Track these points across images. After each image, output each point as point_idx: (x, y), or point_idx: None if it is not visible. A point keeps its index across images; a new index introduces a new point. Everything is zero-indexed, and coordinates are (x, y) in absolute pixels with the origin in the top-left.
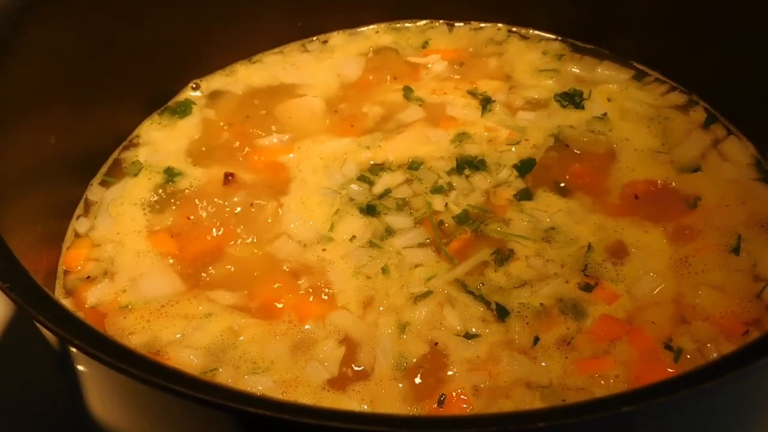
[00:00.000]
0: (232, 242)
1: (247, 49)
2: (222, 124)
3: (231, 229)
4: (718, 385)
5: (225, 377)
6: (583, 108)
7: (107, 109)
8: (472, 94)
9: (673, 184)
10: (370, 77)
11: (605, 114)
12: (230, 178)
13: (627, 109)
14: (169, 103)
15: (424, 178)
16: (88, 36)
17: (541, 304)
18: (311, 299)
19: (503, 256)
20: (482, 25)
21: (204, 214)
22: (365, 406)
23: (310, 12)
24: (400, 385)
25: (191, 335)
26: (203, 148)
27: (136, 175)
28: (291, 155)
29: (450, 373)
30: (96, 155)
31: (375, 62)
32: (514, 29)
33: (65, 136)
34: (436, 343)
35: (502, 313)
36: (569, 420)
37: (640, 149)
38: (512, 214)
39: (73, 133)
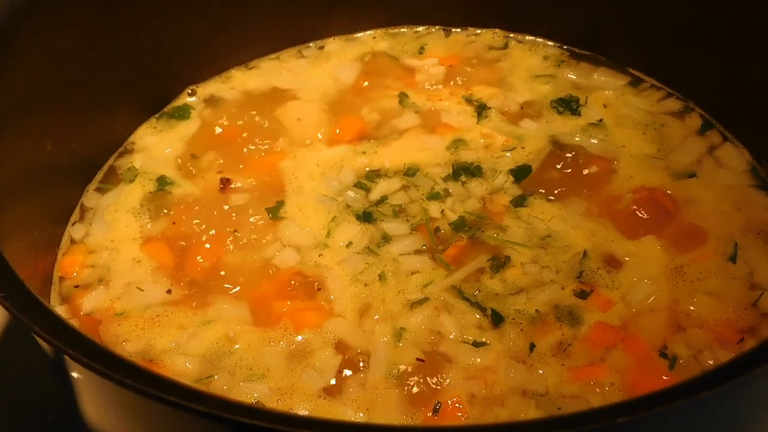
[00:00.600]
0: (228, 249)
1: (244, 55)
2: (218, 130)
3: (227, 235)
4: (713, 395)
5: (220, 384)
6: (579, 114)
7: (103, 115)
8: (468, 100)
9: (669, 190)
10: (366, 83)
11: (601, 120)
12: (226, 183)
13: (623, 115)
14: (168, 108)
15: (420, 184)
16: (84, 43)
17: (536, 310)
18: (308, 306)
19: (499, 263)
20: (478, 31)
21: (199, 221)
22: (361, 414)
23: (307, 18)
24: (396, 392)
25: (186, 343)
26: (199, 154)
27: (131, 181)
28: (287, 161)
29: (445, 380)
30: (92, 161)
31: (371, 68)
32: (510, 35)
33: (61, 142)
34: (432, 350)
35: (496, 320)
36: (564, 431)
37: (636, 155)
38: (508, 220)
39: (68, 139)
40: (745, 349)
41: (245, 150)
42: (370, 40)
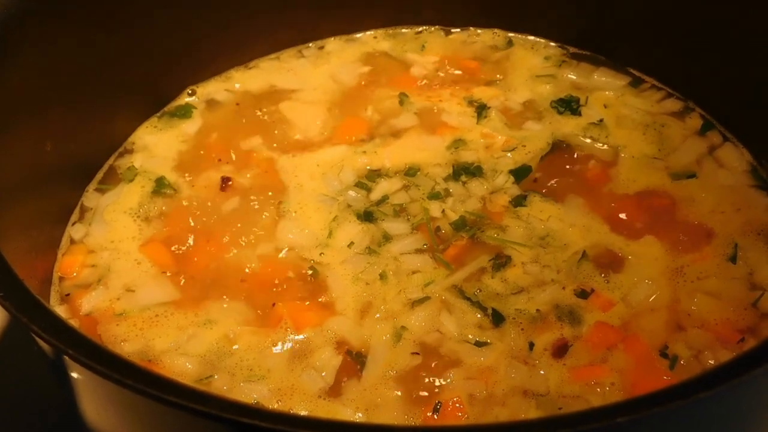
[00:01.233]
0: (228, 248)
1: (243, 55)
2: (218, 129)
3: (227, 234)
4: (713, 395)
5: (220, 384)
6: (579, 114)
7: (103, 115)
8: (468, 100)
9: (669, 190)
10: (366, 83)
11: (601, 120)
12: (227, 182)
13: (623, 115)
14: (168, 108)
15: (420, 184)
16: (83, 43)
17: (537, 310)
18: (309, 306)
19: (500, 263)
20: (479, 31)
21: (199, 220)
22: (360, 414)
23: (306, 18)
24: (396, 392)
25: (186, 343)
26: (200, 153)
27: (131, 180)
28: (288, 161)
29: (446, 380)
30: (92, 161)
31: (371, 68)
32: (511, 35)
33: (61, 142)
34: (433, 350)
35: (497, 319)
36: (564, 430)
37: (636, 156)
38: (509, 220)
39: (68, 139)
40: (745, 349)
41: (246, 149)
42: (371, 40)
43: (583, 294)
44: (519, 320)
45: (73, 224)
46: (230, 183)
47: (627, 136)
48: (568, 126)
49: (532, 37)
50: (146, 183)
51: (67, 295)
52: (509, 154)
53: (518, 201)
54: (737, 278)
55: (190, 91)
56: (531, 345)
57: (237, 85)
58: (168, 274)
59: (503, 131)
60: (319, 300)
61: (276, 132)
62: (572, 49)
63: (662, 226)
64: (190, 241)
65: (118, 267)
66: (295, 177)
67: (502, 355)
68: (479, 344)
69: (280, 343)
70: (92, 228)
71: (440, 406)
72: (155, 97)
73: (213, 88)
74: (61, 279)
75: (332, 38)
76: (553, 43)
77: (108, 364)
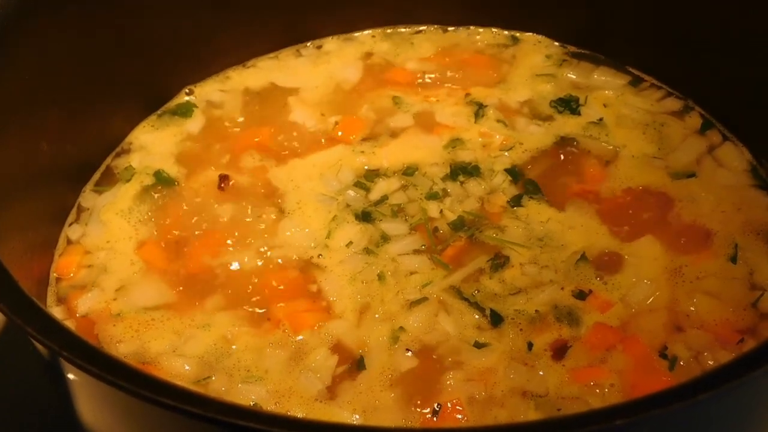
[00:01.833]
0: (226, 248)
1: (242, 54)
2: (216, 128)
3: (224, 234)
4: (712, 396)
5: (218, 386)
6: (579, 114)
7: (100, 115)
8: (466, 99)
9: (669, 190)
10: (364, 83)
11: (601, 119)
12: (225, 181)
13: (623, 114)
14: (167, 107)
15: (418, 184)
16: (80, 43)
17: (536, 311)
18: (306, 307)
19: (498, 263)
20: (478, 30)
21: (197, 220)
22: (357, 417)
23: (305, 17)
24: (394, 394)
25: (183, 344)
26: (197, 152)
27: (128, 180)
28: (286, 160)
29: (445, 381)
30: (89, 162)
31: (369, 68)
32: (510, 34)
33: (57, 142)
34: (431, 351)
35: (496, 320)
36: None
37: (636, 155)
38: (507, 220)
39: (65, 139)
40: (744, 349)
41: (244, 148)
42: (369, 39)
43: (581, 295)
44: (518, 321)
45: (70, 225)
46: (228, 182)
47: (627, 136)
48: (567, 125)
49: (532, 36)
50: (144, 182)
51: (67, 296)
52: (507, 154)
53: (516, 201)
54: (737, 278)
55: (187, 91)
56: (530, 345)
57: (235, 85)
58: (165, 274)
59: (501, 131)
60: (317, 301)
61: (274, 131)
62: (572, 48)
63: (661, 226)
64: (188, 240)
65: (114, 268)
66: (293, 177)
67: (501, 356)
68: (478, 345)
69: (277, 345)
70: (89, 228)
71: (439, 408)
72: (153, 97)
73: (211, 88)
74: (57, 280)
75: (330, 38)
76: (553, 42)
77: (102, 366)
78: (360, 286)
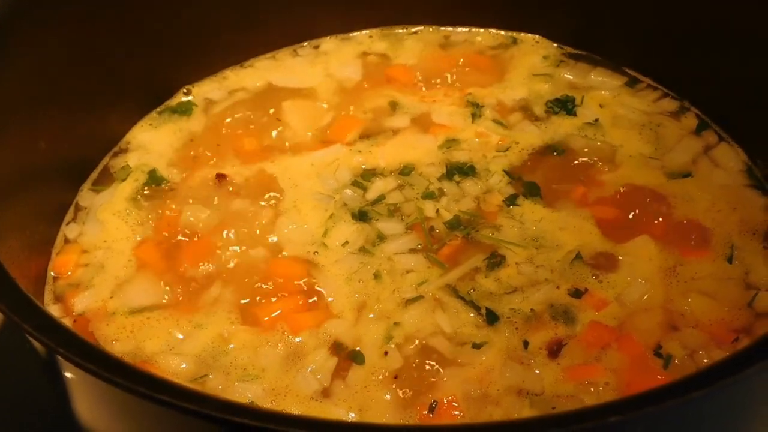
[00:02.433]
0: (223, 247)
1: (239, 54)
2: (214, 128)
3: (221, 233)
4: (705, 394)
5: (215, 384)
6: (575, 114)
7: (98, 115)
8: (463, 99)
9: (665, 190)
10: (362, 82)
11: (597, 120)
12: (222, 180)
13: (619, 115)
14: (165, 106)
15: (415, 183)
16: (78, 42)
17: (531, 309)
18: (303, 305)
19: (494, 262)
20: (475, 30)
21: (194, 219)
22: (353, 415)
23: (302, 17)
24: (389, 392)
25: (180, 342)
26: (195, 152)
27: (124, 180)
28: (283, 159)
29: (440, 379)
30: (86, 161)
31: (366, 67)
32: (507, 35)
33: (55, 141)
34: (427, 349)
35: (491, 319)
36: (556, 430)
37: (632, 155)
38: (503, 220)
39: (62, 138)
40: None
41: (241, 148)
42: (366, 39)
43: (576, 293)
44: (513, 319)
45: (68, 224)
46: (225, 181)
47: (623, 136)
48: (563, 126)
49: (530, 37)
50: (140, 181)
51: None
52: (503, 153)
53: (512, 201)
54: (732, 278)
55: (185, 90)
56: (526, 344)
57: (233, 85)
58: (161, 273)
59: (497, 131)
60: (314, 300)
61: (271, 130)
62: (569, 49)
63: (657, 226)
64: (185, 239)
65: (111, 266)
66: (290, 175)
67: (497, 355)
68: (474, 344)
69: (274, 343)
70: (86, 227)
71: (435, 405)
72: (152, 97)
73: (208, 88)
74: (55, 278)
75: (328, 37)
76: (550, 43)
77: (99, 363)
78: (356, 285)
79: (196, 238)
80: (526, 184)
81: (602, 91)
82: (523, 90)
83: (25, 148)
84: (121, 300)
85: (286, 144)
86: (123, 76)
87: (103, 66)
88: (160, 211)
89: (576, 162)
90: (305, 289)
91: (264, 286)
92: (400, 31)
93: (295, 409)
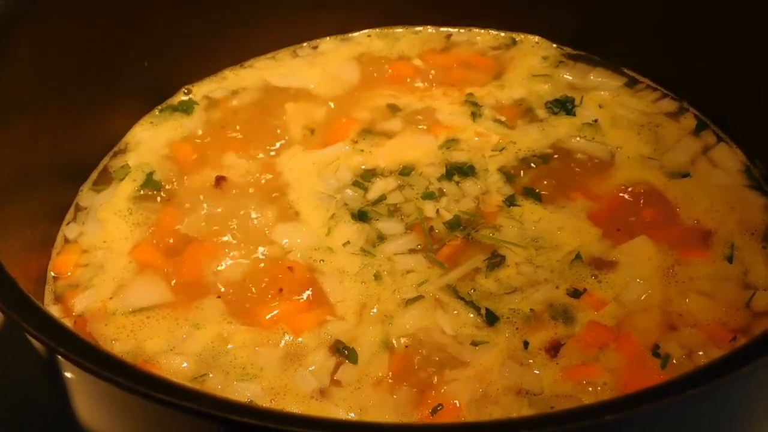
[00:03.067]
0: (223, 247)
1: (239, 54)
2: (213, 127)
3: (221, 234)
4: (702, 392)
5: (215, 383)
6: (574, 115)
7: (98, 114)
8: (462, 99)
9: (664, 190)
10: (361, 83)
11: (596, 120)
12: (221, 181)
13: (618, 116)
14: (165, 105)
15: (415, 184)
16: (78, 42)
17: (531, 309)
18: (303, 305)
19: (494, 263)
20: (475, 31)
21: (193, 219)
22: (352, 414)
23: (301, 17)
24: (389, 391)
25: (180, 342)
26: (194, 152)
27: (122, 179)
28: (283, 159)
29: (441, 379)
30: (86, 161)
31: (366, 68)
32: (507, 35)
33: (55, 141)
34: (427, 349)
35: (491, 319)
36: (553, 428)
37: (631, 156)
38: (502, 220)
39: (63, 138)
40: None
41: (240, 148)
42: (365, 39)
43: (575, 293)
44: (513, 320)
45: (68, 224)
46: (225, 181)
47: (622, 136)
48: (562, 126)
49: (529, 37)
50: (140, 181)
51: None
52: (503, 154)
53: (512, 201)
54: (731, 278)
55: (185, 90)
56: (526, 344)
57: (233, 85)
58: (161, 274)
59: (497, 131)
60: (314, 300)
61: (271, 129)
62: (569, 50)
63: (656, 226)
64: (185, 239)
65: (111, 266)
66: (290, 175)
67: (497, 355)
68: (474, 344)
69: (273, 343)
70: (86, 227)
71: (439, 407)
72: (152, 97)
73: (208, 88)
74: (55, 278)
75: (327, 38)
76: (550, 44)
77: (99, 363)
78: (356, 285)
79: (195, 239)
80: (522, 183)
81: (601, 91)
82: (522, 90)
83: (25, 147)
84: (121, 300)
85: (287, 144)
86: (123, 76)
87: (103, 66)
88: (159, 212)
89: (575, 162)
90: (305, 289)
91: (264, 286)
92: (399, 30)
93: (294, 408)
